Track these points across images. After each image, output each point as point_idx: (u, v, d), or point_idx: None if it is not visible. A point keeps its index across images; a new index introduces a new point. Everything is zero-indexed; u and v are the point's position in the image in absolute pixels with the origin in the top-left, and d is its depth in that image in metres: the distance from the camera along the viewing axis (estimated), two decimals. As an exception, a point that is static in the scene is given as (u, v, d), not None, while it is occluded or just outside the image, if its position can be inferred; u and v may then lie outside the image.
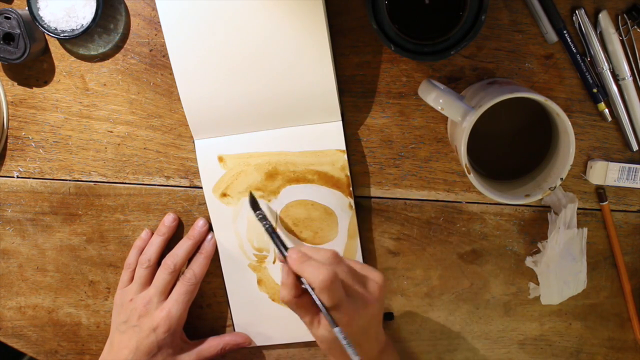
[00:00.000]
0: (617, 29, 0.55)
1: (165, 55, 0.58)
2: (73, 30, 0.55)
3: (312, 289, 0.48)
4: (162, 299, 0.59)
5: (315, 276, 0.47)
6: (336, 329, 0.47)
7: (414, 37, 0.51)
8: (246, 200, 0.59)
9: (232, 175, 0.59)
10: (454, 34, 0.50)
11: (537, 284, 0.61)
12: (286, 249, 0.51)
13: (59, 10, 0.55)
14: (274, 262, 0.60)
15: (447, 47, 0.51)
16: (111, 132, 0.60)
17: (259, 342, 0.63)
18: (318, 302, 0.47)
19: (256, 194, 0.59)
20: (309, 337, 0.62)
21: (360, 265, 0.53)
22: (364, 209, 0.60)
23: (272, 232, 0.54)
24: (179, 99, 0.57)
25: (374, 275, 0.51)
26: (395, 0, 0.51)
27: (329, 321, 0.47)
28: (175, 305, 0.58)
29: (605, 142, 0.58)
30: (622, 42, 0.55)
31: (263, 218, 0.56)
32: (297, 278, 0.49)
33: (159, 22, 0.55)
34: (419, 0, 0.52)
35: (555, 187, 0.50)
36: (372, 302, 0.50)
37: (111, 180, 0.61)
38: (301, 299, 0.49)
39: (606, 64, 0.55)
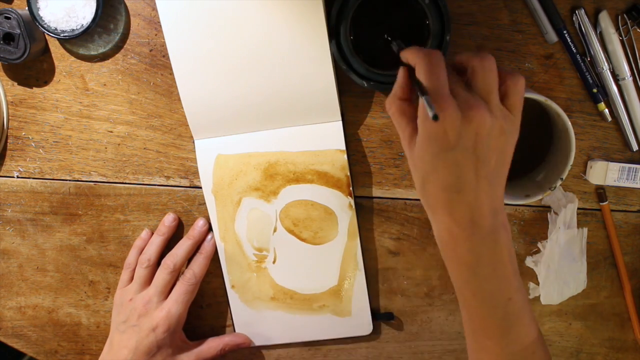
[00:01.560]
0: (617, 29, 0.55)
1: (165, 55, 0.58)
2: (73, 30, 0.55)
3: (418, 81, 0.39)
4: (162, 299, 0.59)
5: (418, 56, 0.39)
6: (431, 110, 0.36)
7: (384, 67, 0.52)
8: (246, 200, 0.59)
9: (232, 175, 0.59)
10: None
11: (537, 284, 0.61)
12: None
13: (59, 10, 0.55)
14: (273, 262, 0.60)
15: None
16: (111, 132, 0.60)
17: (258, 342, 0.63)
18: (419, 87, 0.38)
19: (260, 203, 0.59)
20: (309, 337, 0.62)
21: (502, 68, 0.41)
22: (364, 209, 0.60)
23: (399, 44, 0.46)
24: (179, 99, 0.57)
25: (513, 80, 0.40)
26: (359, 35, 0.52)
27: (429, 108, 0.36)
28: (174, 305, 0.58)
29: (605, 142, 0.58)
30: (622, 42, 0.55)
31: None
32: (410, 80, 0.41)
33: (159, 22, 0.55)
34: (382, 30, 0.52)
35: (555, 187, 0.50)
36: (486, 114, 0.38)
37: (111, 180, 0.61)
38: (407, 106, 0.41)
39: (606, 64, 0.55)
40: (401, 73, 0.42)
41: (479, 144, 0.38)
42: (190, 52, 0.55)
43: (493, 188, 0.39)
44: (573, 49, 0.55)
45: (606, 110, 0.56)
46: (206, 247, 0.60)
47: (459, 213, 0.39)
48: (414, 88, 0.40)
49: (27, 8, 0.55)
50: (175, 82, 0.56)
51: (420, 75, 0.39)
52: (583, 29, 0.55)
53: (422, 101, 0.38)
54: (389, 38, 0.50)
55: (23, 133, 0.61)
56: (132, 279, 0.61)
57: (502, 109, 0.40)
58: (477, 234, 0.40)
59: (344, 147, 0.57)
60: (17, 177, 0.62)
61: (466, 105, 0.38)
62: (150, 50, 0.58)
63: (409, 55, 0.41)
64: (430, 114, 0.36)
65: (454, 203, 0.39)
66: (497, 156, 0.39)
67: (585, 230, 0.60)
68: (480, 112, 0.37)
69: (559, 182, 0.50)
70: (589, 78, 0.56)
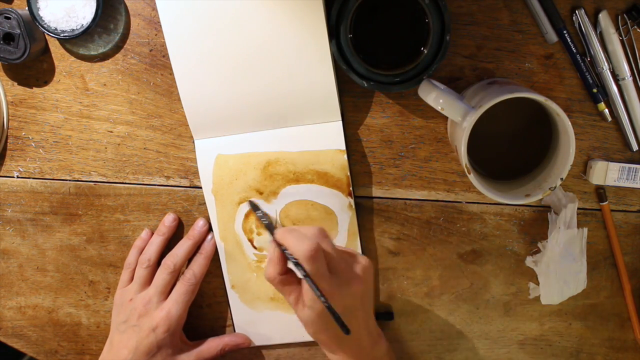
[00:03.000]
0: (617, 29, 0.55)
1: (165, 55, 0.58)
2: (73, 30, 0.55)
3: (296, 261, 0.47)
4: (162, 299, 0.59)
5: (298, 246, 0.47)
6: (322, 298, 0.46)
7: (383, 67, 0.52)
8: (246, 201, 0.59)
9: (232, 175, 0.59)
10: (423, 58, 0.51)
11: (537, 284, 0.61)
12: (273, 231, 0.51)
13: (59, 10, 0.55)
14: (274, 262, 0.60)
15: (418, 72, 0.52)
16: (111, 132, 0.60)
17: (258, 342, 0.63)
18: (300, 273, 0.47)
19: (256, 200, 0.59)
20: (309, 337, 0.62)
21: (347, 249, 0.53)
22: (364, 209, 0.60)
23: (269, 225, 0.55)
24: (179, 99, 0.57)
25: (360, 258, 0.52)
26: (359, 35, 0.52)
27: (312, 289, 0.46)
28: (174, 305, 0.58)
29: (605, 142, 0.58)
30: (622, 42, 0.55)
31: (262, 216, 0.56)
32: (284, 255, 0.49)
33: (159, 22, 0.55)
34: (382, 30, 0.52)
35: (555, 187, 0.50)
36: (356, 281, 0.50)
37: (111, 180, 0.61)
38: (286, 277, 0.49)
39: (606, 64, 0.55)
40: (275, 252, 0.49)
41: (364, 299, 0.51)
42: (190, 52, 0.55)
43: (371, 324, 0.53)
44: (573, 49, 0.55)
45: (606, 110, 0.56)
46: (206, 247, 0.60)
47: (347, 346, 0.52)
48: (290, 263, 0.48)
49: (27, 8, 0.55)
50: (175, 82, 0.56)
51: (305, 265, 0.47)
52: (583, 29, 0.55)
53: (305, 285, 0.48)
54: (253, 205, 0.58)
55: (23, 133, 0.61)
56: (132, 279, 0.61)
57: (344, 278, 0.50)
58: (364, 352, 0.53)
59: (344, 147, 0.57)
60: (17, 177, 0.62)
61: (342, 277, 0.49)
62: (150, 50, 0.58)
63: (290, 244, 0.48)
64: (343, 331, 0.46)
65: (344, 345, 0.51)
66: (369, 302, 0.53)
67: (585, 230, 0.60)
68: (354, 282, 0.50)
69: (559, 182, 0.50)
70: (589, 78, 0.56)
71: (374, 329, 0.54)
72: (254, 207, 0.58)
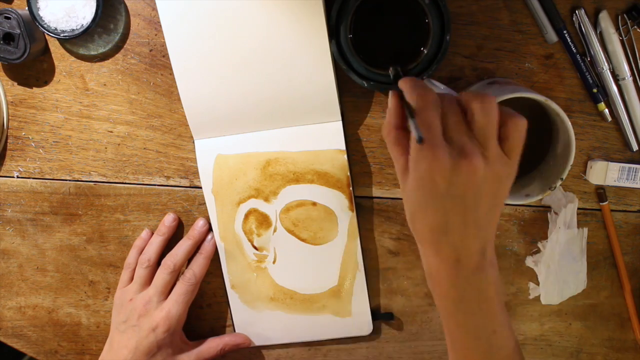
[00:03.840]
0: (617, 29, 0.55)
1: (165, 55, 0.58)
2: (73, 30, 0.55)
3: (413, 111, 0.38)
4: (162, 299, 0.59)
5: (413, 93, 0.38)
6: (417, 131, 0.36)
7: (383, 67, 0.52)
8: (246, 201, 0.59)
9: (232, 175, 0.59)
10: (423, 58, 0.51)
11: (537, 284, 0.61)
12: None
13: (59, 10, 0.55)
14: (274, 262, 0.60)
15: (418, 72, 0.52)
16: (111, 132, 0.60)
17: (258, 342, 0.63)
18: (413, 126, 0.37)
19: (260, 203, 0.59)
20: (309, 337, 0.62)
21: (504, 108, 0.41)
22: (364, 209, 0.60)
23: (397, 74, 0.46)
24: (179, 99, 0.57)
25: (514, 123, 0.40)
26: (359, 35, 0.52)
27: (412, 124, 0.36)
28: (174, 305, 0.58)
29: (605, 142, 0.58)
30: (622, 42, 0.55)
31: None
32: (403, 107, 0.40)
33: (159, 22, 0.55)
34: (382, 30, 0.53)
35: (555, 187, 0.50)
36: (480, 161, 0.37)
37: (111, 180, 0.61)
38: (402, 133, 0.40)
39: (606, 64, 0.55)
40: (392, 99, 0.42)
41: (469, 191, 0.38)
42: (190, 52, 0.55)
43: (482, 231, 0.39)
44: (573, 49, 0.55)
45: (606, 110, 0.56)
46: (206, 247, 0.60)
47: (444, 253, 0.40)
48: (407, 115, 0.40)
49: (27, 8, 0.55)
50: (175, 82, 0.56)
51: (429, 111, 0.38)
52: (583, 29, 0.55)
53: (412, 139, 0.38)
54: (390, 64, 0.48)
55: (23, 133, 0.61)
56: (132, 279, 0.61)
57: (499, 155, 0.39)
58: (462, 272, 0.40)
59: (344, 147, 0.57)
60: (17, 177, 0.62)
61: (461, 153, 0.37)
62: (150, 50, 0.58)
63: (407, 88, 0.40)
64: (416, 136, 0.36)
65: (440, 243, 0.39)
66: (489, 201, 0.39)
67: (586, 230, 0.60)
68: (473, 162, 0.37)
69: (559, 182, 0.50)
70: (589, 78, 0.56)
71: (491, 250, 0.41)
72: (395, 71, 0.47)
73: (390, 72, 0.47)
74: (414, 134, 0.36)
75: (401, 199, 0.60)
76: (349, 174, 0.58)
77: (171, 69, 0.56)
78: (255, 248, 0.60)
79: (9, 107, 0.60)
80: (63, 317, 0.65)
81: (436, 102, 0.38)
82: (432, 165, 0.37)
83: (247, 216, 0.60)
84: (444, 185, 0.37)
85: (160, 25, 0.55)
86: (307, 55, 0.54)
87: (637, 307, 0.61)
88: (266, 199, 0.59)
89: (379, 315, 0.62)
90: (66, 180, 0.62)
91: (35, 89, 0.60)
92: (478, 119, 0.39)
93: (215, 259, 0.61)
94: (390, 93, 0.42)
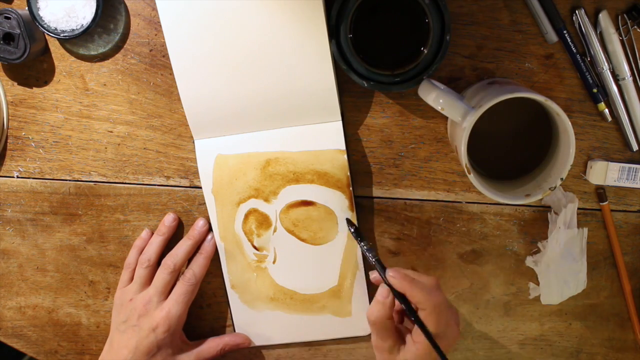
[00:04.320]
0: (617, 29, 0.55)
1: (165, 55, 0.58)
2: (73, 30, 0.55)
3: (415, 311, 0.48)
4: (162, 299, 0.59)
5: (427, 299, 0.48)
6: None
7: (383, 67, 0.52)
8: (246, 201, 0.59)
9: (232, 175, 0.59)
10: (423, 58, 0.51)
11: (537, 284, 0.61)
12: (384, 268, 0.52)
13: (59, 10, 0.55)
14: (274, 262, 0.60)
15: (418, 72, 0.52)
16: (111, 132, 0.60)
17: (258, 342, 0.63)
18: (419, 324, 0.48)
19: (260, 203, 0.59)
20: (309, 337, 0.62)
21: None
22: (364, 209, 0.60)
23: (376, 260, 0.53)
24: (179, 99, 0.57)
25: (455, 313, 0.53)
26: (359, 35, 0.52)
27: (432, 345, 0.47)
28: (174, 305, 0.58)
29: (605, 142, 0.58)
30: (622, 42, 0.55)
31: (369, 250, 0.55)
32: (394, 300, 0.50)
33: (159, 22, 0.55)
34: (382, 30, 0.53)
35: (555, 187, 0.50)
36: (456, 332, 0.50)
37: (111, 180, 0.61)
38: (390, 321, 0.50)
39: (606, 64, 0.55)
40: (388, 294, 0.50)
41: None
42: (190, 52, 0.55)
43: None
44: (573, 49, 0.55)
45: (606, 110, 0.56)
46: (206, 247, 0.60)
47: None
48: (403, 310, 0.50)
49: (27, 8, 0.55)
50: (175, 82, 0.56)
51: (431, 318, 0.48)
52: (583, 29, 0.55)
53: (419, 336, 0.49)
54: (374, 261, 0.53)
55: (23, 133, 0.61)
56: (132, 279, 0.61)
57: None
58: None
59: (344, 147, 0.57)
60: (17, 177, 0.62)
61: (450, 330, 0.49)
62: (150, 50, 0.58)
63: (416, 295, 0.49)
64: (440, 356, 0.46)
65: None
66: None
67: (586, 230, 0.60)
68: (455, 334, 0.51)
69: (559, 182, 0.50)
70: (589, 78, 0.56)
71: None
72: (358, 236, 0.56)
73: (348, 227, 0.56)
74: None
75: (401, 199, 0.60)
76: (349, 174, 0.58)
77: (171, 69, 0.56)
78: (255, 248, 0.60)
79: (9, 107, 0.60)
80: (63, 317, 0.65)
81: (445, 305, 0.49)
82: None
83: (247, 216, 0.60)
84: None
85: (160, 25, 0.55)
86: (307, 55, 0.54)
87: (637, 307, 0.61)
88: (266, 199, 0.59)
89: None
90: (66, 180, 0.62)
91: (35, 89, 0.60)
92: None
93: (215, 259, 0.61)
94: (386, 291, 0.50)
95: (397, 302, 0.50)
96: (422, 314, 0.48)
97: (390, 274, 0.50)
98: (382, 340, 0.51)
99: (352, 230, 0.57)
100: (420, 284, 0.49)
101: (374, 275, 0.54)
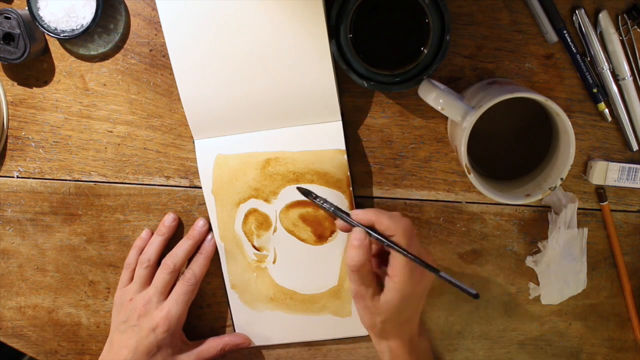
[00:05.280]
0: (617, 29, 0.55)
1: (165, 55, 0.58)
2: (73, 30, 0.55)
3: (388, 239, 0.48)
4: (162, 299, 0.59)
5: (394, 224, 0.48)
6: (442, 273, 0.48)
7: (383, 67, 0.52)
8: (246, 201, 0.59)
9: (231, 175, 0.59)
10: (423, 58, 0.51)
11: (537, 284, 0.61)
12: (347, 214, 0.52)
13: (59, 10, 0.55)
14: (274, 262, 0.60)
15: (418, 72, 0.52)
16: (111, 132, 0.60)
17: (258, 342, 0.63)
18: (396, 249, 0.48)
19: (305, 186, 0.59)
20: (309, 337, 0.62)
21: None
22: (364, 209, 0.60)
23: (335, 208, 0.54)
24: (179, 99, 0.57)
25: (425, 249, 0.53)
26: (359, 35, 0.52)
27: (411, 259, 0.47)
28: (174, 305, 0.58)
29: (605, 142, 0.58)
30: (622, 42, 0.55)
31: (324, 202, 0.55)
32: (371, 240, 0.50)
33: (159, 22, 0.55)
34: (382, 30, 0.53)
35: (555, 187, 0.50)
36: (433, 265, 0.50)
37: (111, 180, 0.61)
38: (370, 265, 0.50)
39: (606, 64, 0.55)
40: (364, 237, 0.50)
41: (423, 294, 0.53)
42: (190, 52, 0.55)
43: (420, 316, 0.55)
44: (573, 49, 0.55)
45: (606, 110, 0.56)
46: (206, 247, 0.60)
47: (405, 336, 0.53)
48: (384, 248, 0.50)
49: (27, 8, 0.55)
50: (175, 82, 0.56)
51: (403, 241, 0.48)
52: (583, 29, 0.55)
53: (402, 260, 0.48)
54: (332, 210, 0.54)
55: (23, 133, 0.61)
56: (132, 279, 0.61)
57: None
58: (415, 345, 0.54)
59: (344, 147, 0.57)
60: (17, 177, 0.62)
61: (425, 259, 0.49)
62: (150, 50, 0.58)
63: (385, 222, 0.49)
64: (473, 293, 0.46)
65: (401, 331, 0.52)
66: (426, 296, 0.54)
67: (586, 230, 0.60)
68: (429, 276, 0.51)
69: (559, 182, 0.50)
70: (589, 78, 0.56)
71: (421, 322, 0.56)
72: (306, 193, 0.56)
73: (302, 192, 0.55)
74: (469, 292, 0.47)
75: (401, 199, 0.60)
76: (349, 174, 0.58)
77: (171, 69, 0.56)
78: (255, 248, 0.60)
79: (9, 107, 0.60)
80: (63, 317, 0.65)
81: (413, 227, 0.50)
82: (419, 283, 0.50)
83: (247, 216, 0.60)
84: (421, 287, 0.51)
85: (160, 25, 0.55)
86: (307, 55, 0.54)
87: (637, 307, 0.61)
88: (266, 199, 0.59)
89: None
90: (66, 180, 0.62)
91: (35, 89, 0.60)
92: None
93: (215, 259, 0.61)
94: (356, 231, 0.50)
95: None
96: (394, 240, 0.48)
97: (354, 213, 0.51)
98: (365, 286, 0.50)
99: (301, 193, 0.57)
100: (385, 213, 0.50)
101: (340, 223, 0.53)
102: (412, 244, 0.49)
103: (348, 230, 0.52)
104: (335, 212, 0.53)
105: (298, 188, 0.58)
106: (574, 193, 0.59)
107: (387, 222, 0.49)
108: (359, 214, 0.51)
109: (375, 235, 0.49)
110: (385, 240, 0.49)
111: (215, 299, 0.63)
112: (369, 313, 0.51)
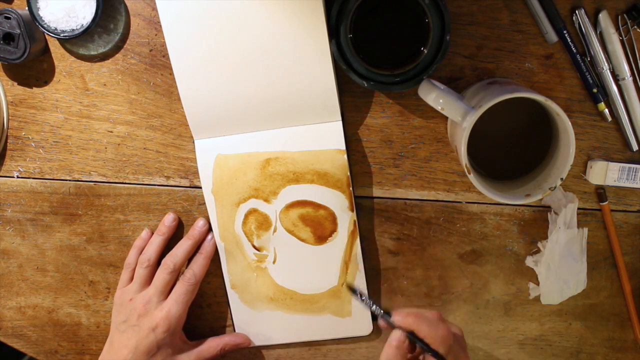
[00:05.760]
0: (617, 29, 0.55)
1: (165, 55, 0.58)
2: (73, 30, 0.55)
3: (428, 345, 0.49)
4: (162, 299, 0.59)
5: (434, 331, 0.49)
6: None
7: (383, 67, 0.52)
8: (246, 201, 0.59)
9: (231, 175, 0.59)
10: (423, 58, 0.51)
11: (537, 284, 0.61)
12: (389, 314, 0.52)
13: (59, 10, 0.55)
14: (274, 262, 0.60)
15: (418, 72, 0.52)
16: (111, 132, 0.60)
17: (258, 342, 0.63)
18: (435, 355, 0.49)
19: (259, 203, 0.59)
20: (309, 337, 0.62)
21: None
22: (364, 209, 0.60)
23: (380, 311, 0.54)
24: (179, 99, 0.57)
25: (462, 341, 0.53)
26: (359, 35, 0.52)
27: None
28: (174, 305, 0.58)
29: (605, 142, 0.58)
30: (622, 42, 0.55)
31: (373, 303, 0.55)
32: (409, 342, 0.50)
33: (159, 22, 0.55)
34: (382, 30, 0.53)
35: (555, 187, 0.50)
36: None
37: (111, 180, 0.61)
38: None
39: (606, 64, 0.55)
40: (401, 336, 0.50)
41: None
42: (190, 52, 0.55)
43: None
44: (573, 49, 0.55)
45: (606, 110, 0.56)
46: (206, 247, 0.60)
47: None
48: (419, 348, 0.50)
49: (27, 8, 0.55)
50: (175, 82, 0.56)
51: (442, 350, 0.48)
52: (583, 29, 0.55)
53: None
54: (376, 310, 0.54)
55: (23, 133, 0.61)
56: (132, 279, 0.61)
57: None
58: None
59: (344, 147, 0.57)
60: (17, 177, 0.62)
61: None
62: (150, 50, 0.58)
63: (424, 329, 0.49)
64: None
65: None
66: None
67: (586, 230, 0.60)
68: None
69: (559, 182, 0.50)
70: (589, 78, 0.56)
71: None
72: (355, 292, 0.56)
73: (380, 319, 0.53)
74: None
75: (401, 199, 0.60)
76: (349, 174, 0.58)
77: (171, 69, 0.56)
78: (255, 248, 0.60)
79: (9, 107, 0.60)
80: (63, 317, 0.65)
81: (451, 334, 0.50)
82: None
83: (247, 216, 0.60)
84: None
85: (160, 25, 0.55)
86: (307, 55, 0.54)
87: (637, 307, 0.61)
88: (266, 199, 0.59)
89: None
90: (66, 180, 0.62)
91: (35, 89, 0.60)
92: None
93: (215, 259, 0.61)
94: (395, 332, 0.50)
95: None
96: (434, 346, 0.49)
97: (396, 317, 0.51)
98: None
99: (354, 293, 0.57)
100: (425, 319, 0.50)
101: (381, 322, 0.54)
102: (449, 351, 0.49)
103: (387, 329, 0.53)
104: (378, 313, 0.53)
105: (348, 286, 0.59)
106: (574, 193, 0.59)
107: (427, 330, 0.49)
108: (401, 319, 0.51)
109: (415, 339, 0.50)
110: (424, 347, 0.49)
111: (215, 299, 0.63)
112: None
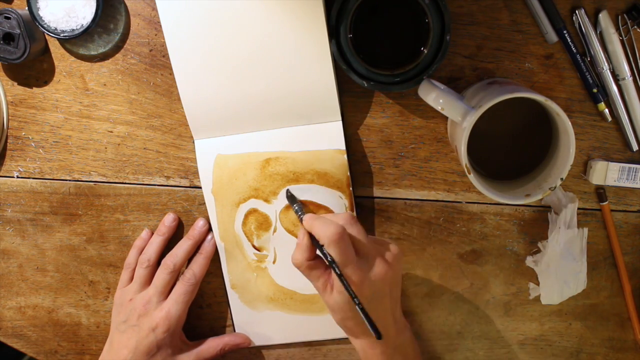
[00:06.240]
0: (617, 29, 0.55)
1: (165, 55, 0.58)
2: (73, 30, 0.55)
3: (322, 245, 0.48)
4: (162, 299, 0.59)
5: (323, 231, 0.48)
6: (351, 293, 0.47)
7: (383, 67, 0.52)
8: (246, 201, 0.59)
9: (231, 175, 0.59)
10: (423, 58, 0.51)
11: (537, 284, 0.61)
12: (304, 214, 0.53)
13: (59, 10, 0.55)
14: (273, 262, 0.60)
15: (418, 72, 0.52)
16: (111, 132, 0.60)
17: (258, 342, 0.63)
18: (327, 260, 0.48)
19: (259, 204, 0.59)
20: (309, 337, 0.62)
21: (377, 237, 0.54)
22: (364, 209, 0.60)
23: (299, 211, 0.55)
24: (179, 99, 0.57)
25: (390, 245, 0.52)
26: (359, 35, 0.52)
27: (338, 276, 0.47)
28: (174, 305, 0.58)
29: (605, 142, 0.58)
30: (622, 42, 0.55)
31: (295, 203, 0.56)
32: (312, 241, 0.50)
33: (159, 22, 0.55)
34: (382, 30, 0.53)
35: (555, 187, 0.50)
36: (385, 267, 0.49)
37: (111, 180, 0.61)
38: (314, 262, 0.50)
39: (606, 64, 0.55)
40: (305, 238, 0.50)
41: (384, 289, 0.50)
42: (190, 52, 0.55)
43: (392, 309, 0.52)
44: (573, 49, 0.55)
45: (606, 110, 0.56)
46: (206, 247, 0.60)
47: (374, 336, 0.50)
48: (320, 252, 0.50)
49: (27, 8, 0.55)
50: (175, 82, 0.56)
51: (330, 250, 0.48)
52: (583, 29, 0.55)
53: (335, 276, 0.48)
54: (289, 195, 0.57)
55: (23, 133, 0.61)
56: (132, 279, 0.61)
57: (394, 257, 0.51)
58: (389, 342, 0.52)
59: (344, 147, 0.57)
60: (17, 177, 0.62)
61: (374, 266, 0.49)
62: (150, 50, 0.58)
63: (316, 231, 0.49)
64: (375, 335, 0.46)
65: (369, 331, 0.48)
66: (395, 289, 0.52)
67: (586, 230, 0.60)
68: (384, 269, 0.49)
69: (559, 182, 0.50)
70: (589, 78, 0.56)
71: (400, 317, 0.54)
72: (290, 197, 0.57)
73: (286, 195, 0.55)
74: (371, 331, 0.46)
75: (401, 199, 0.60)
76: (349, 174, 0.58)
77: (171, 69, 0.56)
78: (255, 248, 0.60)
79: (9, 107, 0.60)
80: (63, 317, 0.65)
81: (345, 234, 0.48)
82: (357, 283, 0.48)
83: (247, 216, 0.60)
84: (369, 292, 0.48)
85: (160, 25, 0.55)
86: (307, 55, 0.54)
87: (637, 307, 0.61)
88: (266, 199, 0.59)
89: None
90: (66, 180, 0.62)
91: (35, 89, 0.60)
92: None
93: (215, 259, 0.61)
94: (303, 232, 0.50)
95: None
96: (325, 247, 0.48)
97: (305, 218, 0.51)
98: (313, 280, 0.51)
99: (288, 196, 0.58)
100: (322, 220, 0.49)
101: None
102: (337, 251, 0.47)
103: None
104: (298, 211, 0.55)
105: (287, 191, 0.58)
106: (574, 193, 0.59)
107: (318, 231, 0.48)
108: (305, 220, 0.51)
109: (313, 241, 0.50)
110: (316, 244, 0.49)
111: (215, 299, 0.63)
112: (330, 310, 0.52)
